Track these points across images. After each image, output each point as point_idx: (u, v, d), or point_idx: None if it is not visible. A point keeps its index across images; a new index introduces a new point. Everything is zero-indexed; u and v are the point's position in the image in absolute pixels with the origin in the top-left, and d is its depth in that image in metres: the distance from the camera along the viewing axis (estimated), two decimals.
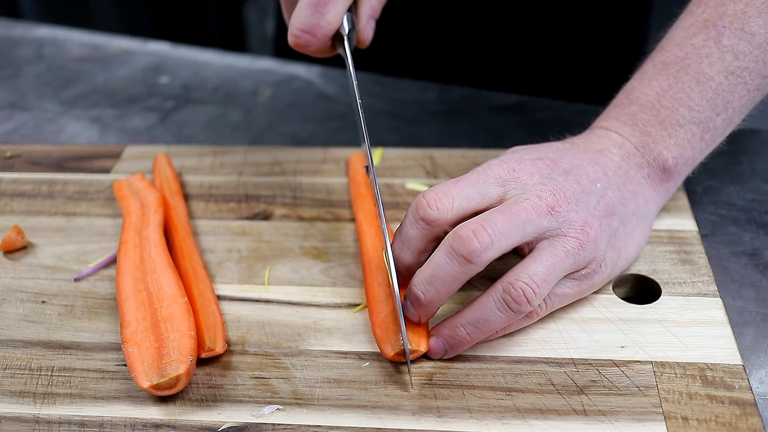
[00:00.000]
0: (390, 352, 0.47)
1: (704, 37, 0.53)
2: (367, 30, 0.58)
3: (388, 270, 0.48)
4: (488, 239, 0.45)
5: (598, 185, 0.50)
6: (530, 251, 0.48)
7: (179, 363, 0.46)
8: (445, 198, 0.48)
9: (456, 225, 0.47)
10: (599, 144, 0.54)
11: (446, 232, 0.48)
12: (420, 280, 0.47)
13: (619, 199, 0.51)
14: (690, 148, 0.53)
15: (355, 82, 0.54)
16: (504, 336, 0.50)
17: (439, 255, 0.46)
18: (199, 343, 0.49)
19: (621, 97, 0.56)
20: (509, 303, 0.46)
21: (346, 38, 0.55)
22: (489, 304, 0.47)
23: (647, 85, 0.55)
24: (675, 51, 0.54)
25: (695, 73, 0.53)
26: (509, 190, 0.49)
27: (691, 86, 0.53)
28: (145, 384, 0.45)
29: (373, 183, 0.51)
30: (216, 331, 0.49)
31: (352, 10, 0.56)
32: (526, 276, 0.46)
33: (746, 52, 0.53)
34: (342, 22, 0.55)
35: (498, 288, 0.47)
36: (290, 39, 0.54)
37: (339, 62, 0.66)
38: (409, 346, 0.47)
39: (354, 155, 0.65)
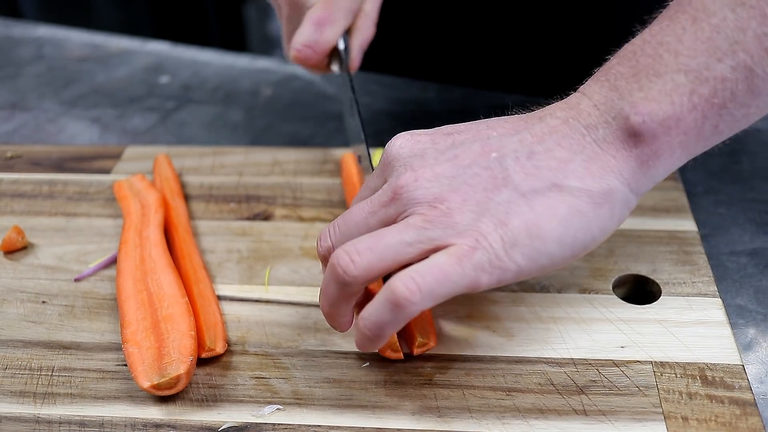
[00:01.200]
0: (146, 383, 0.46)
1: None
2: (356, 58, 0.63)
3: None
4: (328, 244, 0.46)
5: (493, 155, 0.43)
6: None
7: (179, 363, 0.46)
8: (331, 228, 0.47)
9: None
10: (550, 109, 0.45)
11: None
12: (321, 290, 0.46)
13: (525, 169, 0.42)
14: (670, 103, 0.41)
15: (352, 94, 0.59)
16: (504, 336, 0.50)
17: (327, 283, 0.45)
18: (200, 343, 0.49)
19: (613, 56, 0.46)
20: (331, 270, 0.43)
21: (343, 53, 0.62)
22: (326, 273, 0.45)
23: (637, 35, 0.44)
24: None
25: (694, 9, 0.42)
26: (385, 176, 0.46)
27: (685, 26, 0.42)
28: (146, 384, 0.45)
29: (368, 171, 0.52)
30: (216, 331, 0.50)
31: (347, 36, 0.63)
32: (350, 244, 0.43)
33: None
34: (339, 42, 0.61)
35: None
36: (292, 53, 0.60)
37: None
38: (419, 339, 0.48)
39: (347, 155, 0.66)
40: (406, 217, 0.43)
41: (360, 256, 0.42)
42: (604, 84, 0.43)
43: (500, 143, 0.44)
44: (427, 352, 0.49)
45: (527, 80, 0.87)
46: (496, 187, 0.42)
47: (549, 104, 0.46)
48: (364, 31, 0.63)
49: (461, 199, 0.42)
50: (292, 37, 0.61)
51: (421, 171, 0.43)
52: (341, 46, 0.62)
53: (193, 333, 0.48)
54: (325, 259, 0.46)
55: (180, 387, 0.46)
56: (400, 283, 0.41)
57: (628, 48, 0.44)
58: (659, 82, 0.41)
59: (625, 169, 0.42)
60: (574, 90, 0.46)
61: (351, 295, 0.45)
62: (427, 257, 0.41)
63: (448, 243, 0.41)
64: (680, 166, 0.44)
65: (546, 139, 0.43)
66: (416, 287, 0.40)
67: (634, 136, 0.42)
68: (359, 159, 0.58)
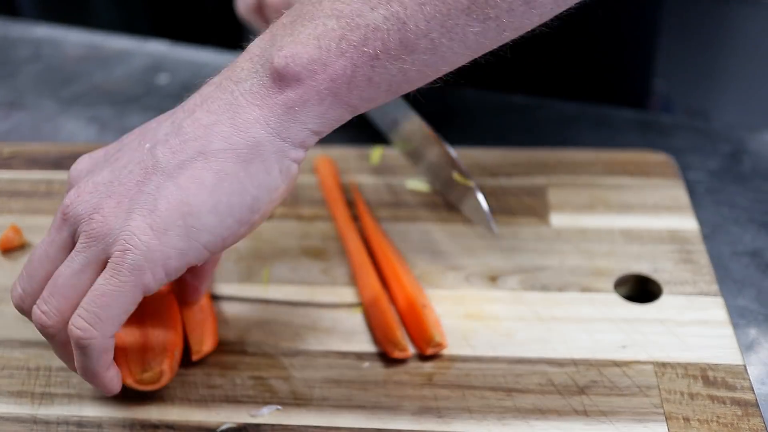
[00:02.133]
0: (128, 379, 0.45)
1: None
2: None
3: None
4: (20, 295, 0.43)
5: (147, 146, 0.41)
6: None
7: (162, 357, 0.46)
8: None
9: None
10: (215, 75, 0.43)
11: None
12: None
13: (172, 147, 0.40)
14: (316, 48, 0.39)
15: None
16: (504, 336, 0.49)
17: None
18: (189, 344, 0.49)
19: None
20: (37, 327, 0.42)
21: None
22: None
23: None
24: None
25: None
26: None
27: None
28: (128, 380, 0.45)
29: None
30: (204, 329, 0.49)
31: None
32: (39, 297, 0.42)
33: None
34: None
35: None
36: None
37: None
38: (436, 339, 0.48)
39: (320, 158, 0.65)
40: (78, 238, 0.41)
41: (47, 304, 0.41)
42: (265, 36, 0.42)
43: (155, 132, 0.42)
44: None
45: (527, 80, 0.86)
46: (147, 178, 0.40)
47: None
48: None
49: (116, 202, 0.40)
50: None
51: (83, 185, 0.42)
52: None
53: (177, 328, 0.48)
54: (21, 310, 0.44)
55: (163, 382, 0.46)
56: (72, 326, 0.40)
57: (299, 5, 0.42)
58: (310, 26, 0.39)
59: (270, 117, 0.40)
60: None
61: (67, 347, 0.42)
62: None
63: (108, 255, 0.40)
64: (346, 121, 0.42)
65: (196, 110, 0.41)
66: (87, 324, 0.39)
67: (279, 80, 0.39)
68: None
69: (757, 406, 0.44)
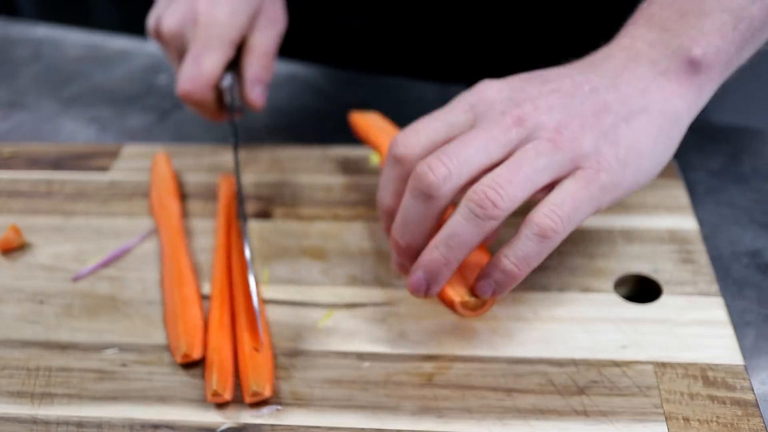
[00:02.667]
0: (457, 298, 0.46)
1: None
2: (253, 93, 0.63)
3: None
4: (445, 170, 0.44)
5: (586, 87, 0.47)
6: None
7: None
8: (413, 134, 0.47)
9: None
10: (603, 53, 0.50)
11: None
12: (396, 225, 0.47)
13: (617, 97, 0.47)
14: (720, 37, 0.48)
15: (234, 139, 0.62)
16: (504, 336, 0.49)
17: (405, 197, 0.46)
18: (174, 348, 0.49)
19: (641, 7, 0.52)
20: (472, 208, 0.43)
21: (228, 91, 0.63)
22: (455, 217, 0.44)
23: None
24: None
25: None
26: (477, 114, 0.47)
27: None
28: (456, 300, 0.46)
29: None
30: (195, 335, 0.49)
31: (235, 72, 0.65)
32: (489, 179, 0.44)
33: None
34: (222, 78, 0.63)
35: (464, 198, 0.45)
36: (178, 91, 0.62)
37: (338, 61, 0.66)
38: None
39: (222, 177, 0.64)
40: (530, 142, 0.45)
41: (504, 189, 0.43)
42: (651, 28, 0.49)
43: (586, 78, 0.48)
44: (427, 352, 0.49)
45: None
46: (602, 113, 0.46)
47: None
48: (254, 68, 0.63)
49: (579, 124, 0.45)
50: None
51: (536, 101, 0.46)
52: (226, 82, 0.63)
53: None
54: (438, 188, 0.44)
55: (485, 309, 0.47)
56: (544, 217, 0.43)
57: (658, 1, 0.50)
58: (708, 20, 0.48)
59: (687, 94, 0.48)
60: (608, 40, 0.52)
61: (436, 217, 0.46)
62: (554, 183, 0.45)
63: (575, 167, 0.45)
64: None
65: (622, 74, 0.48)
66: (558, 218, 0.43)
67: (694, 66, 0.48)
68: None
69: (757, 406, 0.44)
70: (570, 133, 0.45)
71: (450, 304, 0.47)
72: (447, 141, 0.47)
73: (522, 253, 0.44)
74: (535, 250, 0.44)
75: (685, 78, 0.48)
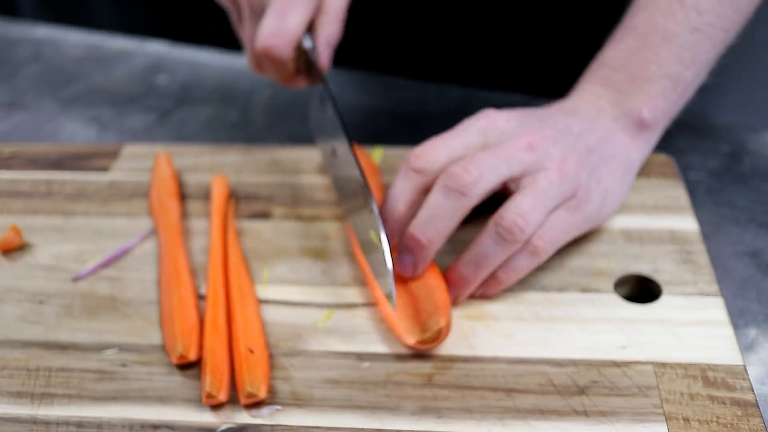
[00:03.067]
0: (411, 340, 0.48)
1: None
2: (324, 57, 0.61)
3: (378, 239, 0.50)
4: (477, 173, 0.49)
5: (574, 129, 0.54)
6: (516, 189, 0.51)
7: (438, 317, 0.48)
8: (431, 149, 0.52)
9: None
10: (572, 104, 0.57)
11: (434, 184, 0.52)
12: (418, 222, 0.50)
13: (597, 141, 0.54)
14: (663, 100, 0.56)
15: (324, 86, 0.59)
16: (504, 336, 0.49)
17: (434, 195, 0.50)
18: (168, 350, 0.49)
19: (594, 63, 0.60)
20: (502, 234, 0.49)
21: (310, 52, 0.60)
22: (485, 240, 0.50)
23: (617, 48, 0.58)
24: (641, 14, 0.58)
25: (662, 32, 0.56)
26: (489, 137, 0.53)
27: (659, 44, 0.56)
28: (411, 341, 0.48)
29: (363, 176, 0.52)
30: (191, 337, 0.49)
31: (311, 35, 0.62)
32: (514, 206, 0.49)
33: (708, 9, 0.56)
34: (304, 39, 0.60)
35: (491, 223, 0.50)
36: (258, 45, 0.58)
37: (338, 62, 0.66)
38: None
39: (215, 178, 0.64)
40: (541, 171, 0.51)
41: (529, 216, 0.49)
42: (607, 88, 0.57)
43: (572, 121, 0.54)
44: (427, 352, 0.49)
45: (527, 80, 0.86)
46: (589, 153, 0.53)
47: (549, 103, 0.56)
48: (328, 28, 0.62)
49: (576, 160, 0.52)
50: (253, 39, 0.61)
51: (543, 132, 0.52)
52: (307, 44, 0.60)
53: (442, 286, 0.50)
54: (457, 192, 0.49)
55: (442, 338, 0.48)
56: (538, 238, 0.50)
57: (612, 61, 0.58)
58: (653, 85, 0.56)
59: (639, 147, 0.57)
60: (570, 87, 0.59)
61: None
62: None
63: (571, 197, 0.52)
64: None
65: (596, 123, 0.55)
66: (549, 240, 0.50)
67: (643, 125, 0.56)
68: (333, 152, 0.57)
69: (757, 406, 0.44)
70: (573, 165, 0.51)
71: (406, 343, 0.49)
72: (461, 158, 0.52)
73: (515, 265, 0.51)
74: (526, 264, 0.51)
75: (637, 134, 0.57)
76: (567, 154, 0.52)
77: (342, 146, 0.56)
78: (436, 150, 0.52)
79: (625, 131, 0.56)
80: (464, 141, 0.53)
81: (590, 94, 0.57)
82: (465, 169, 0.49)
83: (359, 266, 0.55)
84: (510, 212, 0.49)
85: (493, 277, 0.51)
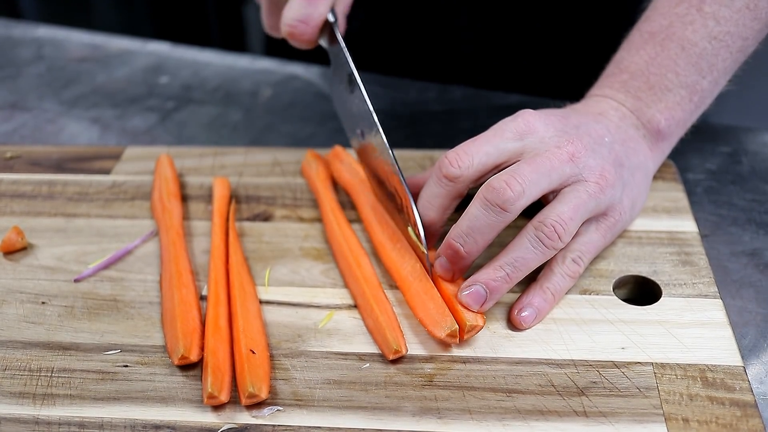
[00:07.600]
0: (441, 333, 0.48)
1: (687, 5, 0.57)
2: (341, 26, 0.61)
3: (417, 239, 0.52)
4: (520, 188, 0.48)
5: (606, 139, 0.54)
6: (555, 197, 0.51)
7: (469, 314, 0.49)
8: (466, 156, 0.51)
9: (477, 181, 0.52)
10: (597, 108, 0.58)
11: (468, 189, 0.52)
12: (457, 233, 0.50)
13: (625, 152, 0.55)
14: (680, 110, 0.57)
15: (351, 63, 0.58)
16: (504, 336, 0.50)
17: (475, 207, 0.49)
18: (171, 350, 0.49)
19: (612, 67, 0.60)
20: (542, 239, 0.49)
21: (334, 25, 0.59)
22: (524, 243, 0.50)
23: (635, 55, 0.58)
24: (659, 20, 0.58)
25: (680, 40, 0.57)
26: (527, 144, 0.52)
27: (677, 53, 0.56)
28: (441, 334, 0.48)
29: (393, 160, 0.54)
30: (193, 338, 0.49)
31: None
32: (555, 214, 0.49)
33: (727, 17, 0.56)
34: (329, 15, 0.59)
35: (530, 228, 0.50)
36: (285, 29, 0.58)
37: None
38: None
39: (216, 180, 0.64)
40: (580, 183, 0.51)
41: (567, 225, 0.49)
42: (627, 94, 0.58)
43: (602, 130, 0.55)
44: (428, 353, 0.49)
45: (527, 80, 0.87)
46: (620, 165, 0.54)
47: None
48: (344, 1, 0.62)
49: (611, 173, 0.52)
50: (274, 13, 0.61)
51: (583, 141, 0.52)
52: (331, 18, 0.60)
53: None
54: (498, 207, 0.49)
55: (473, 334, 0.49)
56: (572, 263, 0.51)
57: (631, 67, 0.58)
58: (670, 95, 0.57)
59: (656, 156, 0.58)
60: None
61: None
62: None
63: (605, 212, 0.53)
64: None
65: (621, 133, 0.56)
66: (583, 263, 0.52)
67: (660, 134, 0.57)
68: (362, 134, 0.57)
69: (756, 407, 0.44)
70: (611, 178, 0.52)
71: (436, 336, 0.49)
72: (497, 165, 0.52)
73: (557, 287, 0.51)
74: (564, 285, 0.52)
75: (654, 144, 0.58)
76: (604, 166, 0.52)
77: (371, 131, 0.56)
78: (471, 157, 0.51)
79: (645, 140, 0.57)
80: (499, 146, 0.52)
81: (612, 100, 0.58)
82: (508, 183, 0.48)
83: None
84: (551, 219, 0.49)
85: (543, 298, 0.51)
